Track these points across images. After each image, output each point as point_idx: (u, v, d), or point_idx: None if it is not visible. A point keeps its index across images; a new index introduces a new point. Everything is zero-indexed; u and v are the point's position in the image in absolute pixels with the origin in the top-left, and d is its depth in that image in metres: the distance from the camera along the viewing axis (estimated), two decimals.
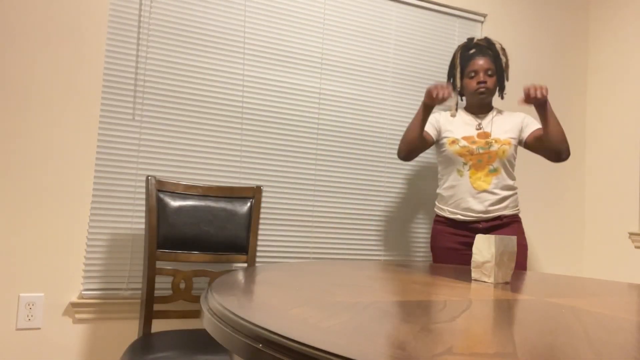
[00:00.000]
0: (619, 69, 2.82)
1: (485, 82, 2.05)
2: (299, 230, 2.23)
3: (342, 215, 2.32)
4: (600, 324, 0.78)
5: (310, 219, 2.25)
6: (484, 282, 1.26)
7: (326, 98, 2.31)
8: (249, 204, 1.93)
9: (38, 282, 1.81)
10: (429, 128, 2.12)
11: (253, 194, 1.94)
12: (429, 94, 1.85)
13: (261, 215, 2.16)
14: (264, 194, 2.17)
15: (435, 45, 2.56)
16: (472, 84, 2.07)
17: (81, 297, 1.87)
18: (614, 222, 2.75)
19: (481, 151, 2.02)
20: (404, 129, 2.46)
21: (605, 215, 2.80)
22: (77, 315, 1.86)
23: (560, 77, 2.90)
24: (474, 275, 1.30)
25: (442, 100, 1.83)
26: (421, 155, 2.49)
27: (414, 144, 1.99)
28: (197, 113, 2.07)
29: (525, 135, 2.07)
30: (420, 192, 2.49)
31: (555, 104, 2.88)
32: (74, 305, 1.85)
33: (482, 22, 2.69)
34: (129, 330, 1.93)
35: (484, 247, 1.27)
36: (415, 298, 0.95)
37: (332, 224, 2.29)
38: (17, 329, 1.78)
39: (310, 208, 2.26)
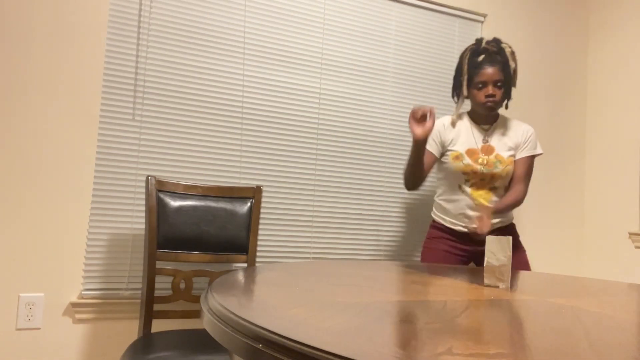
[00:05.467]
0: (619, 69, 2.82)
1: (494, 95, 1.93)
2: (299, 230, 2.23)
3: (342, 215, 2.32)
4: (600, 324, 0.78)
5: (310, 219, 2.25)
6: (497, 287, 1.18)
7: (326, 98, 2.31)
8: (249, 204, 1.93)
9: (38, 282, 1.81)
10: (431, 146, 2.02)
11: (253, 194, 1.94)
12: (413, 122, 1.76)
13: (261, 215, 2.16)
14: (264, 194, 2.17)
15: (435, 45, 2.56)
16: (480, 96, 1.96)
17: (81, 297, 1.87)
18: (614, 222, 2.75)
19: (485, 171, 1.97)
20: (404, 129, 2.46)
21: (605, 215, 2.80)
22: (77, 315, 1.86)
23: (560, 77, 2.90)
24: (487, 281, 1.21)
25: (428, 130, 1.74)
26: None
27: (417, 181, 1.95)
28: (197, 113, 2.07)
29: (517, 157, 2.02)
30: (420, 192, 2.49)
31: (556, 104, 2.88)
32: (74, 305, 1.85)
33: (482, 22, 2.69)
34: (129, 330, 1.93)
35: (497, 249, 1.19)
36: (415, 298, 0.95)
37: (332, 224, 2.29)
38: (17, 329, 1.78)
39: (310, 208, 2.26)
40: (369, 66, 2.41)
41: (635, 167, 2.67)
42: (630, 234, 2.65)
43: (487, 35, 2.67)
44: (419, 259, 2.47)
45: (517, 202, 1.99)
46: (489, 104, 1.95)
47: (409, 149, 2.46)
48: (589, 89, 2.98)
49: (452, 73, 2.58)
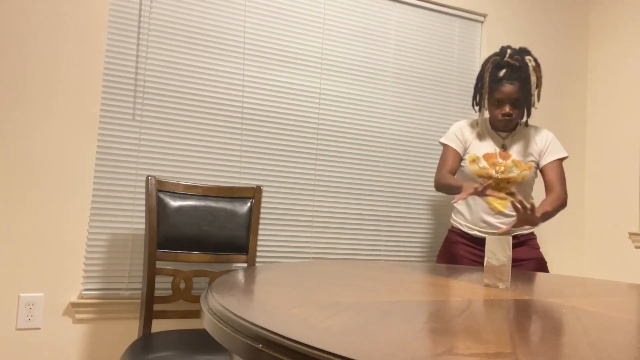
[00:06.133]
0: (619, 69, 2.82)
1: (510, 114, 1.91)
2: (299, 230, 2.23)
3: (342, 215, 2.32)
4: (600, 324, 0.78)
5: (310, 219, 2.25)
6: (497, 287, 1.17)
7: (326, 98, 2.31)
8: (249, 204, 1.93)
9: (38, 282, 1.81)
10: (456, 143, 2.03)
11: (253, 194, 1.94)
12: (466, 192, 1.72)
13: (261, 215, 2.16)
14: (264, 194, 2.17)
15: (435, 45, 2.56)
16: (497, 113, 1.94)
17: (81, 297, 1.87)
18: (614, 222, 2.75)
19: (500, 176, 1.95)
20: (404, 129, 2.46)
21: (605, 215, 2.80)
22: (77, 315, 1.86)
23: (560, 77, 2.90)
24: (486, 281, 1.20)
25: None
26: (421, 155, 2.49)
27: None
28: (197, 113, 2.07)
29: (542, 164, 1.99)
30: (420, 192, 2.49)
31: (556, 104, 2.88)
32: (74, 305, 1.85)
33: (482, 22, 2.69)
34: (129, 330, 1.93)
35: (497, 249, 1.19)
36: (415, 298, 0.95)
37: (332, 224, 2.29)
38: (17, 329, 1.78)
39: (310, 208, 2.26)
40: (369, 66, 2.41)
41: (635, 167, 2.67)
42: (630, 234, 2.65)
43: (487, 36, 2.67)
44: (418, 259, 2.47)
45: (562, 205, 1.93)
46: (504, 122, 1.94)
47: (409, 149, 2.46)
48: (589, 89, 2.98)
49: (452, 73, 2.58)
